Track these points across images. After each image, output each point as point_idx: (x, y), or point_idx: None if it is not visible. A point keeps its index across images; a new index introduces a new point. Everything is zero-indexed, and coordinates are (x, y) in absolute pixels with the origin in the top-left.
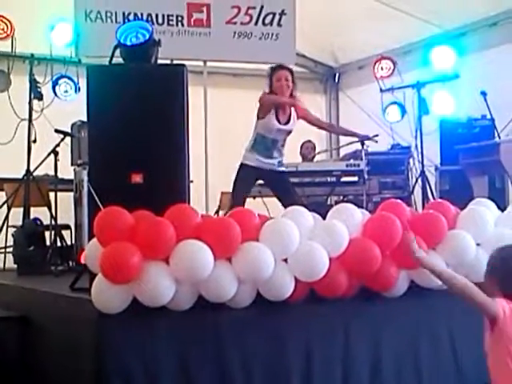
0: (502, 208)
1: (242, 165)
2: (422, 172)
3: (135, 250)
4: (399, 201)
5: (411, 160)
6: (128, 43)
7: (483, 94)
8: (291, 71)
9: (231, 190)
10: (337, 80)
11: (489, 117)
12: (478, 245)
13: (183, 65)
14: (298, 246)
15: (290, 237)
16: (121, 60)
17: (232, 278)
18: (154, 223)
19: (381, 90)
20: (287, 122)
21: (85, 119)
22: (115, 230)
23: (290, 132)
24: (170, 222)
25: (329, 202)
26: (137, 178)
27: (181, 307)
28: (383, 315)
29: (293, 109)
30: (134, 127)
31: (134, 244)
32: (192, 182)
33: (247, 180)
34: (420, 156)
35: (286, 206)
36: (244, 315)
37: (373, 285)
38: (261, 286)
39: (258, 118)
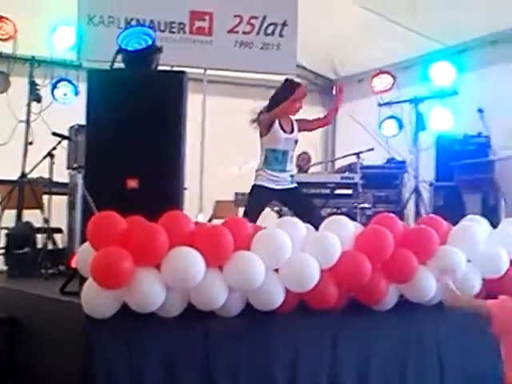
0: (495, 225)
1: (254, 186)
2: (416, 187)
3: (127, 256)
4: (392, 214)
5: (406, 175)
6: (130, 49)
7: (480, 111)
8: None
9: (244, 211)
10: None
11: (485, 134)
12: (468, 261)
13: (184, 72)
14: (290, 257)
15: (282, 247)
16: (122, 65)
17: (222, 287)
18: (146, 229)
19: (379, 104)
20: (292, 131)
21: (83, 123)
22: (108, 234)
23: (296, 141)
24: (163, 228)
25: (322, 214)
26: (132, 184)
27: (170, 314)
28: (371, 328)
29: (293, 119)
30: (132, 133)
31: (126, 249)
32: (186, 189)
33: (260, 202)
34: (415, 171)
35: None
36: (233, 324)
37: (362, 297)
38: (251, 296)
39: (262, 136)
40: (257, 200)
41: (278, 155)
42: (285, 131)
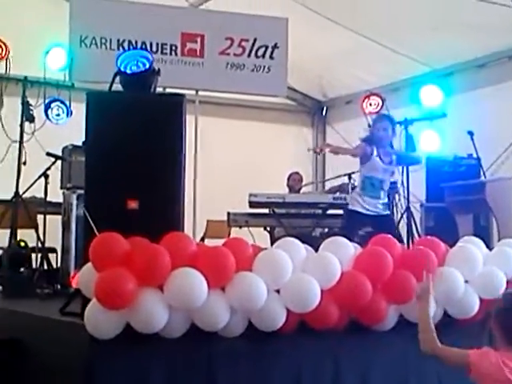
0: (487, 246)
1: (349, 211)
2: (408, 208)
3: (130, 277)
4: (390, 236)
5: (397, 195)
6: (128, 71)
7: (470, 133)
8: (391, 121)
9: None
10: (324, 113)
11: (475, 156)
12: (466, 282)
13: (183, 95)
14: (291, 278)
15: (283, 268)
16: (117, 87)
17: (225, 307)
18: (149, 250)
19: (369, 126)
20: (390, 163)
21: (76, 143)
22: (111, 255)
23: (392, 173)
24: (166, 249)
25: (313, 234)
26: (133, 205)
27: (173, 334)
28: (372, 348)
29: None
30: (132, 154)
31: (130, 270)
32: None
33: (354, 226)
34: (406, 192)
35: None
36: (235, 344)
37: (363, 318)
38: (253, 316)
39: (362, 162)
40: (350, 224)
41: (374, 182)
42: (383, 161)
